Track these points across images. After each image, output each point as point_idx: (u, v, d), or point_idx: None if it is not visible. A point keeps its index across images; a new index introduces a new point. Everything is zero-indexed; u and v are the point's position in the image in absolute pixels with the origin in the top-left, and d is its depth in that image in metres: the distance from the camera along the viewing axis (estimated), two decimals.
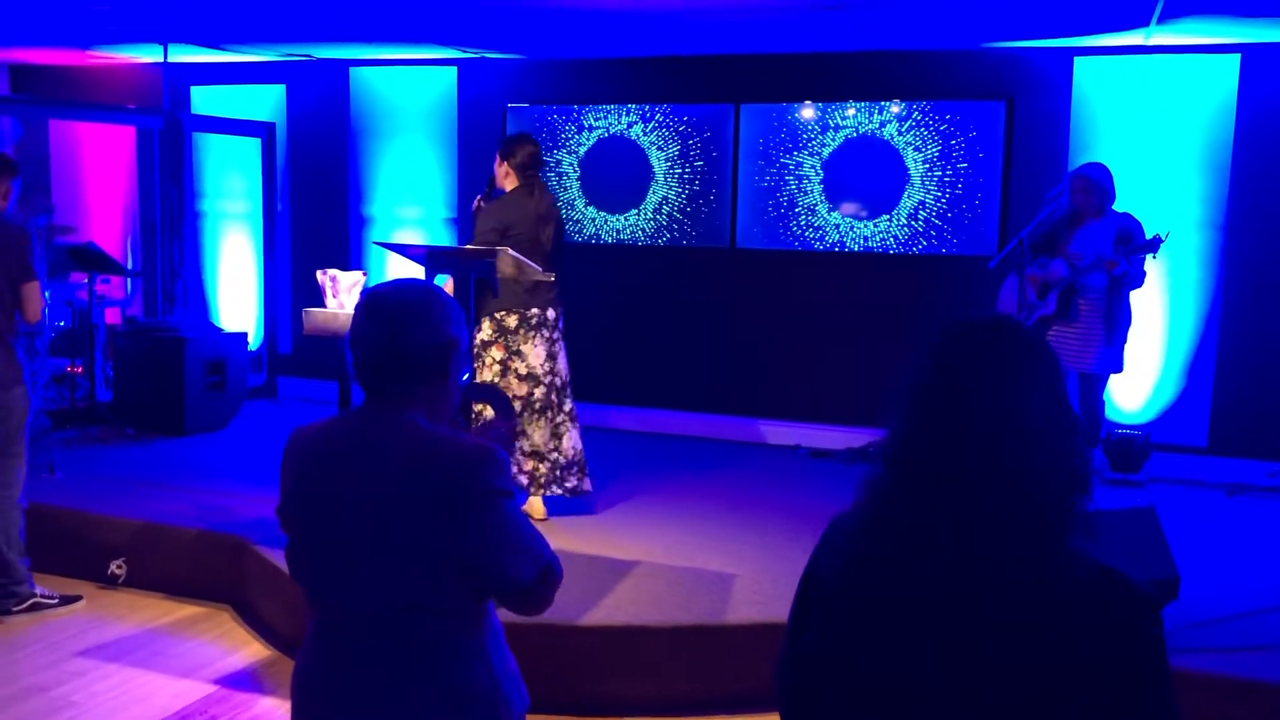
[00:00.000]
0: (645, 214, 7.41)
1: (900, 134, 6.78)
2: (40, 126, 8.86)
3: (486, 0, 5.60)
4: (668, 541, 4.90)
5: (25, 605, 4.60)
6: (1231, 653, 3.74)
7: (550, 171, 7.55)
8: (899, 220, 6.82)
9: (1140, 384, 6.41)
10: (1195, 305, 6.35)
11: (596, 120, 7.45)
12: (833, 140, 6.93)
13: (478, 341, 5.02)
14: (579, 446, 5.15)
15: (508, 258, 4.40)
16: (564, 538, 4.80)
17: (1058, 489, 1.35)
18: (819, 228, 7.01)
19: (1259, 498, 5.94)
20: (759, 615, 4.03)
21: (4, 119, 6.70)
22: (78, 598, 4.78)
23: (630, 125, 7.38)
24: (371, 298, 1.89)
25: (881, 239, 6.87)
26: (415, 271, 4.68)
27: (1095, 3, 5.20)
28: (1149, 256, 5.43)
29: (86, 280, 6.90)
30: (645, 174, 7.39)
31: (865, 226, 6.91)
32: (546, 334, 4.99)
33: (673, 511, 5.41)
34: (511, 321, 4.95)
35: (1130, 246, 5.38)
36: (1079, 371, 5.61)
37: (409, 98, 7.93)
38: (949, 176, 6.70)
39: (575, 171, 7.52)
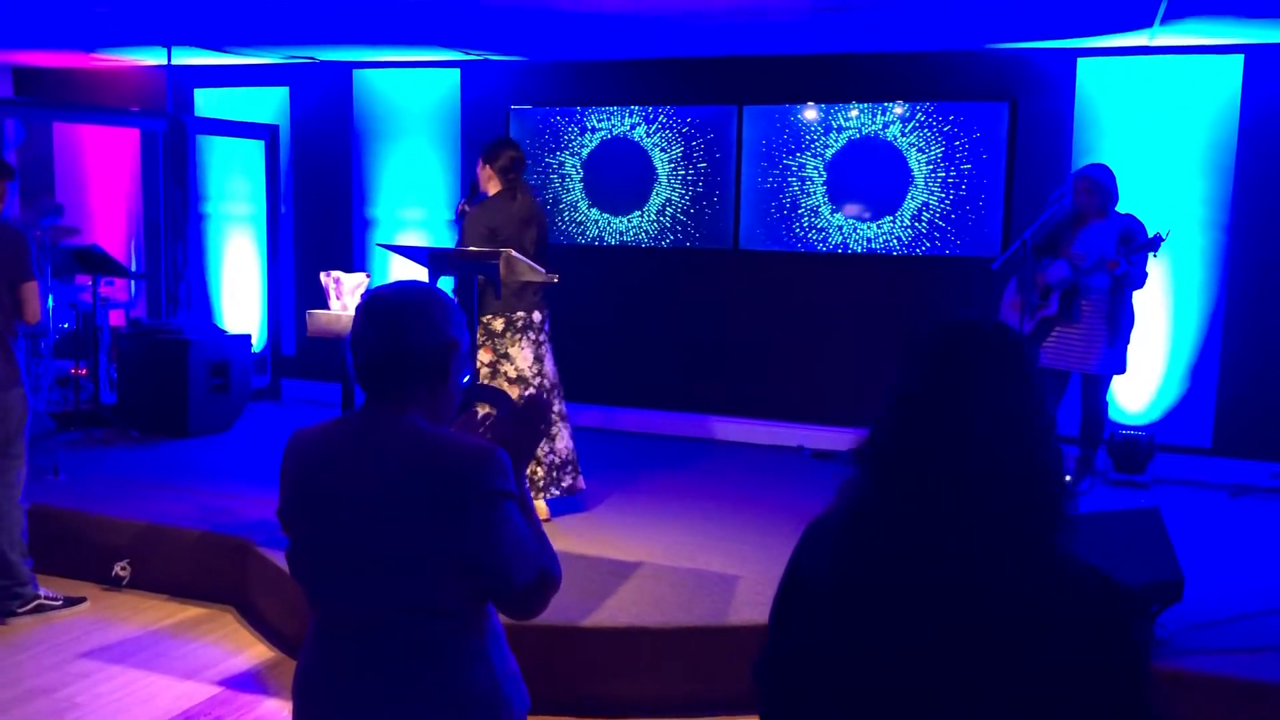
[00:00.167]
0: (648, 216, 7.41)
1: (903, 135, 6.78)
2: (44, 129, 8.87)
3: (489, 2, 5.61)
4: (670, 543, 4.90)
5: (29, 607, 4.60)
6: (1236, 654, 3.73)
7: (553, 173, 7.56)
8: (902, 222, 6.82)
9: (1144, 385, 6.40)
10: (1199, 306, 6.34)
11: (599, 122, 7.45)
12: (836, 141, 6.93)
13: None
14: (571, 445, 5.20)
15: (511, 260, 4.42)
16: (566, 539, 4.80)
17: (1041, 488, 1.36)
18: (822, 229, 7.00)
19: (1263, 498, 5.93)
20: (761, 616, 3.98)
21: (8, 121, 6.71)
22: (82, 599, 4.78)
23: (633, 127, 7.38)
24: (372, 299, 1.89)
25: (885, 240, 6.87)
26: (419, 273, 4.70)
27: (1098, 4, 5.20)
28: (1150, 256, 5.43)
29: (91, 282, 6.91)
30: (648, 175, 7.39)
31: (868, 228, 6.91)
32: (533, 336, 5.03)
33: (675, 512, 5.41)
34: (498, 325, 4.98)
35: (1131, 246, 5.38)
36: (1082, 372, 5.61)
37: (412, 100, 7.94)
38: (952, 178, 6.70)
39: (578, 173, 7.53)
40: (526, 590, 1.85)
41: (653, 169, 7.38)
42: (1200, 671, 3.58)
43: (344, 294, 4.87)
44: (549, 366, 5.10)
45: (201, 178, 8.51)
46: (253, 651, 4.45)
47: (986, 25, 5.87)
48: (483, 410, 2.50)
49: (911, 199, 6.79)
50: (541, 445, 5.04)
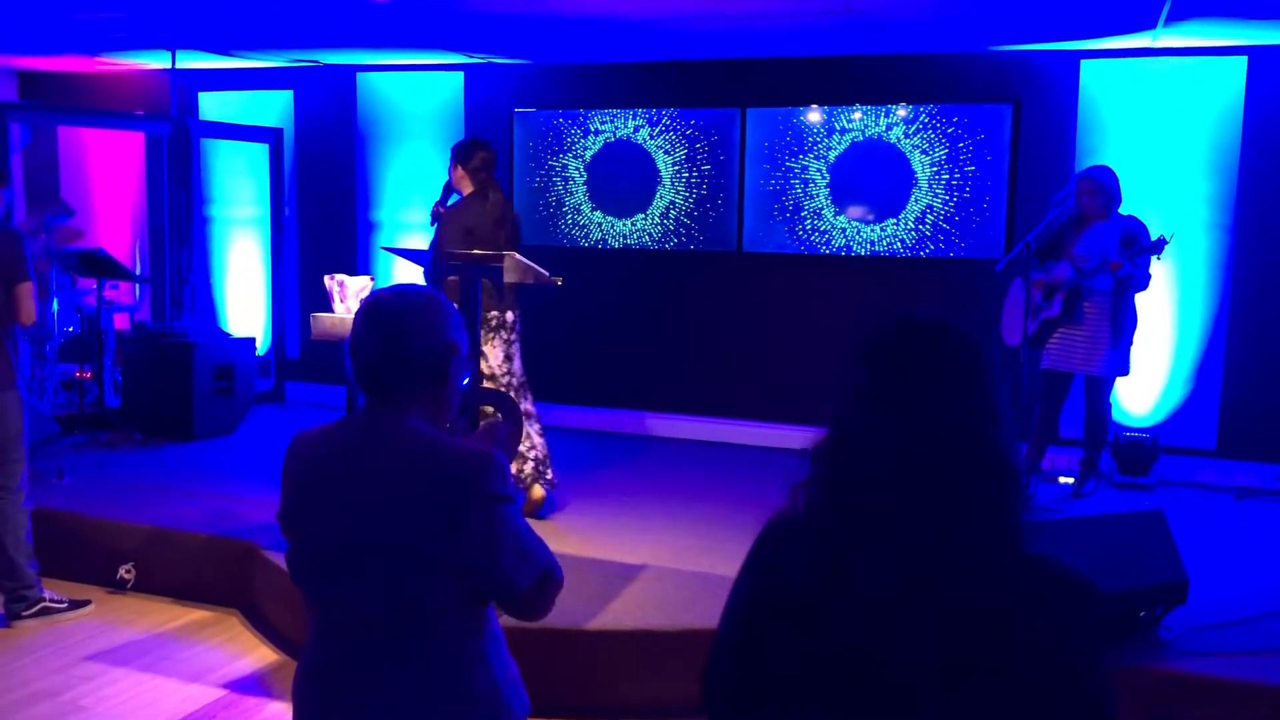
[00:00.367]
0: (652, 218, 7.41)
1: (907, 137, 6.78)
2: (49, 133, 8.89)
3: (493, 6, 5.62)
4: (675, 546, 4.90)
5: (34, 609, 4.61)
6: (1240, 656, 3.72)
7: (557, 176, 7.57)
8: (906, 224, 6.82)
9: (1149, 387, 6.39)
10: (1203, 307, 6.33)
11: (603, 124, 7.46)
12: (839, 144, 6.93)
13: None
14: (545, 442, 5.29)
15: (517, 263, 4.44)
16: (570, 542, 4.81)
17: (993, 484, 1.37)
18: (825, 231, 7.00)
19: (1268, 500, 5.92)
20: None
21: (12, 125, 6.72)
22: (87, 602, 4.79)
23: (637, 129, 7.39)
24: (371, 303, 1.89)
25: (888, 243, 6.87)
26: (420, 277, 4.73)
27: (1102, 5, 5.19)
28: (1154, 258, 5.43)
29: (95, 286, 6.93)
30: (652, 178, 7.40)
31: (872, 230, 6.90)
32: (505, 335, 5.12)
33: (680, 516, 5.41)
34: None
35: (1135, 248, 5.38)
36: (1085, 374, 5.60)
37: (416, 103, 7.95)
38: (956, 180, 6.69)
39: (582, 176, 7.53)
40: (530, 592, 1.85)
41: (656, 171, 7.38)
42: (1204, 674, 3.57)
43: (348, 297, 4.88)
44: (517, 365, 5.20)
45: (206, 181, 8.53)
46: (258, 655, 4.45)
47: (990, 27, 5.87)
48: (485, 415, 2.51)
49: (915, 201, 6.79)
50: (521, 441, 5.13)
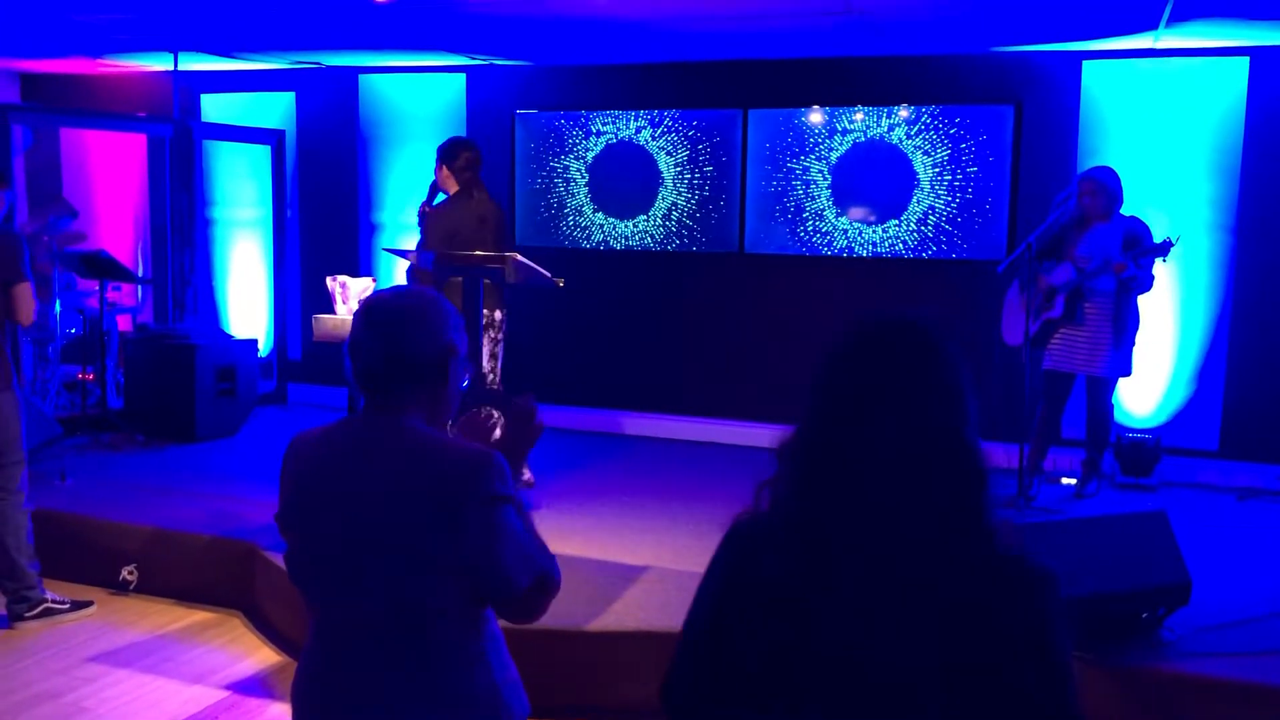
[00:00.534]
0: (654, 220, 7.42)
1: (908, 138, 6.78)
2: (51, 135, 8.90)
3: (495, 8, 5.62)
4: (676, 546, 4.90)
5: (36, 611, 4.61)
6: (1243, 657, 3.71)
7: (558, 178, 7.57)
8: (908, 225, 6.82)
9: (1151, 388, 6.39)
10: (1205, 308, 6.32)
11: (605, 126, 7.46)
12: (841, 145, 6.93)
13: None
14: None
15: (514, 262, 4.45)
16: (571, 543, 4.80)
17: (965, 480, 1.39)
18: (827, 233, 7.00)
19: (1270, 501, 5.91)
20: None
21: (15, 127, 6.73)
22: (89, 603, 4.79)
23: (639, 130, 7.39)
24: (370, 304, 1.90)
25: (890, 244, 6.86)
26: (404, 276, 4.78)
27: (1103, 6, 5.19)
28: (1159, 260, 5.42)
29: (98, 287, 6.94)
30: (654, 179, 7.40)
31: (874, 231, 6.90)
32: (492, 334, 5.19)
33: (681, 516, 5.41)
34: None
35: (1139, 250, 5.37)
36: (1088, 375, 5.60)
37: (418, 104, 7.96)
38: (958, 181, 6.69)
39: (584, 177, 7.53)
40: (527, 594, 1.85)
41: (658, 173, 7.38)
42: (1207, 675, 3.57)
43: (350, 298, 4.89)
44: (499, 365, 5.27)
45: (208, 183, 8.54)
46: (260, 656, 4.46)
47: (991, 28, 5.86)
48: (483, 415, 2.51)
49: (917, 202, 6.79)
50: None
